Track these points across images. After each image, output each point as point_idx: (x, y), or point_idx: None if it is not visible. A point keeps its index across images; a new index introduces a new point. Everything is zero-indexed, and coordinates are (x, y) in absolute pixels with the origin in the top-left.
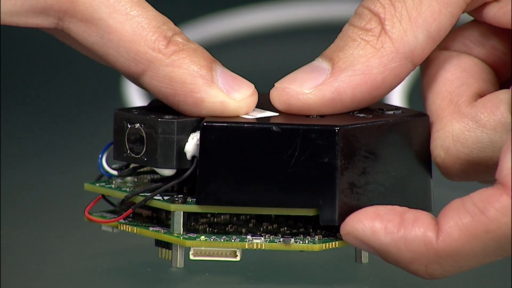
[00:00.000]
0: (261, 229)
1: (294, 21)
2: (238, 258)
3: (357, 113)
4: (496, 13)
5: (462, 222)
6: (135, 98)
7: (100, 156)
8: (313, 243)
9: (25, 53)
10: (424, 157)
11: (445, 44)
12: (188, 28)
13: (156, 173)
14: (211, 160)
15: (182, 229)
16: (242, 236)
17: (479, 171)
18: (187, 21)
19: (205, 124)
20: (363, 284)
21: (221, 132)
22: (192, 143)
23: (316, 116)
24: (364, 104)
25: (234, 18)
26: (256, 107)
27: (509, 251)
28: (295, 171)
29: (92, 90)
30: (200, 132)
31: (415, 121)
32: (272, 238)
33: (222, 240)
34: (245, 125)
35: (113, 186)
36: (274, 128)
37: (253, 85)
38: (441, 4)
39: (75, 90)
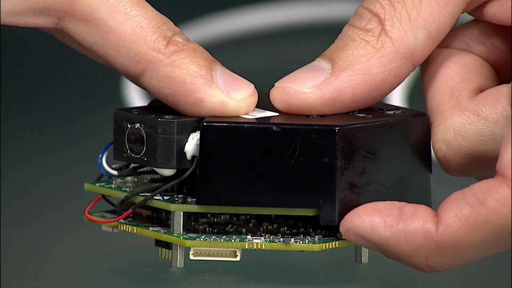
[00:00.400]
0: (261, 229)
1: (294, 21)
2: (238, 258)
3: (357, 113)
4: (496, 11)
5: (462, 213)
6: (135, 98)
7: (100, 156)
8: (313, 243)
9: (25, 53)
10: (424, 156)
11: (445, 42)
12: (188, 28)
13: (156, 173)
14: (211, 160)
15: (182, 229)
16: (242, 236)
17: (480, 165)
18: (187, 21)
19: (205, 124)
20: (363, 284)
21: (221, 132)
22: (192, 143)
23: (316, 116)
24: (364, 104)
25: (234, 18)
26: (256, 107)
27: (509, 244)
28: (295, 171)
29: (92, 90)
30: (200, 132)
31: (415, 121)
32: (272, 238)
33: (222, 240)
34: (245, 125)
35: (113, 186)
36: (274, 128)
37: (253, 85)
38: (441, 4)
39: (75, 90)
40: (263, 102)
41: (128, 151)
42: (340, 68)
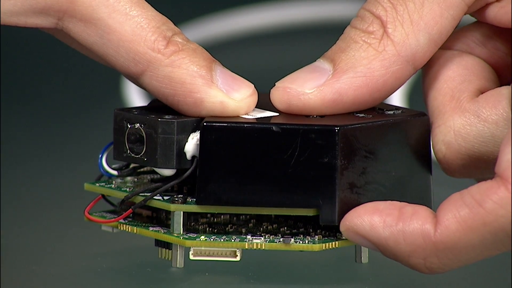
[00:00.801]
0: (261, 229)
1: (294, 21)
2: (238, 258)
3: (357, 113)
4: (497, 13)
5: (460, 215)
6: (135, 98)
7: (100, 156)
8: (313, 243)
9: (25, 53)
10: (424, 157)
11: (447, 44)
12: (188, 28)
13: (156, 173)
14: (211, 160)
15: (182, 229)
16: (242, 236)
17: (480, 166)
18: (187, 21)
19: (205, 124)
20: (363, 284)
21: (221, 132)
22: (192, 143)
23: (316, 116)
24: (365, 106)
25: (234, 18)
26: (256, 107)
27: (507, 246)
28: (295, 171)
29: (92, 90)
30: (200, 132)
31: (415, 121)
32: (272, 238)
33: (222, 240)
34: (245, 125)
35: (113, 186)
36: (274, 128)
37: (253, 85)
38: (443, 7)
39: (75, 90)
40: (263, 102)
41: (128, 151)
42: (341, 70)
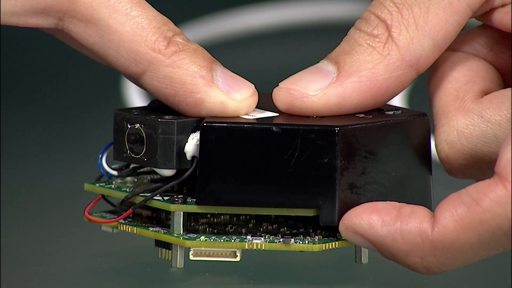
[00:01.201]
0: (261, 229)
1: (294, 21)
2: (238, 259)
3: (357, 114)
4: (502, 18)
5: (457, 213)
6: (135, 98)
7: (100, 156)
8: (313, 243)
9: (25, 53)
10: (424, 157)
11: (453, 45)
12: (188, 28)
13: (156, 173)
14: (211, 160)
15: (182, 229)
16: (242, 236)
17: (482, 167)
18: (187, 21)
19: (205, 124)
20: (363, 284)
21: (221, 132)
22: (192, 143)
23: (316, 116)
24: (366, 109)
25: (234, 18)
26: (256, 107)
27: (505, 245)
28: (295, 171)
29: (92, 90)
30: (200, 132)
31: (415, 121)
32: (272, 238)
33: (222, 240)
34: (245, 126)
35: (113, 186)
36: (274, 128)
37: (253, 86)
38: (448, 13)
39: (75, 90)
40: (264, 102)
41: (128, 151)
42: (346, 73)
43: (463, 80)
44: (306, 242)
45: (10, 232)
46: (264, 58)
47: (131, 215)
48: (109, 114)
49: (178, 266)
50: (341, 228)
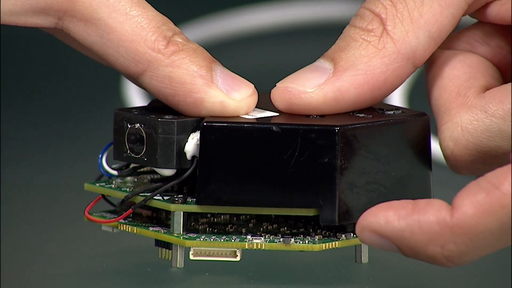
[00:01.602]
0: (261, 229)
1: (294, 21)
2: (238, 258)
3: (357, 113)
4: (499, 10)
5: (477, 199)
6: (135, 98)
7: (100, 156)
8: (313, 243)
9: (25, 52)
10: (424, 157)
11: (450, 44)
12: (188, 28)
13: (156, 173)
14: (211, 160)
15: (182, 229)
16: (242, 236)
17: (487, 162)
18: (187, 21)
19: (205, 124)
20: (363, 284)
21: (221, 132)
22: (192, 143)
23: (316, 116)
24: (366, 104)
25: (234, 18)
26: (256, 107)
27: None
28: (295, 171)
29: (92, 90)
30: (200, 132)
31: (415, 121)
32: (272, 238)
33: (222, 240)
34: (245, 125)
35: (113, 186)
36: (274, 128)
37: (253, 85)
38: (443, 6)
39: (75, 89)
40: (263, 102)
41: (128, 151)
42: (342, 68)
43: (463, 77)
44: (306, 242)
45: (10, 232)
46: (264, 58)
47: (131, 215)
48: (109, 114)
49: (178, 266)
50: (358, 230)
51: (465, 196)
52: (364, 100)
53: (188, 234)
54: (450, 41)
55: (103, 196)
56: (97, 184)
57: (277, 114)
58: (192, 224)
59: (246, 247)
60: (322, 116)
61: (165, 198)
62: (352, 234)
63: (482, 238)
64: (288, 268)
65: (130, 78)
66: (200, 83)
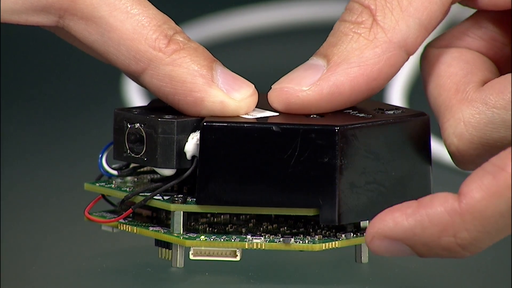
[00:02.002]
0: (261, 229)
1: (293, 21)
2: (238, 258)
3: (357, 113)
4: None
5: (484, 183)
6: (135, 97)
7: (100, 156)
8: (313, 243)
9: (25, 51)
10: (424, 156)
11: (443, 42)
12: (188, 28)
13: (156, 173)
14: (211, 160)
15: (182, 229)
16: (242, 236)
17: (494, 153)
18: (187, 21)
19: (205, 124)
20: (363, 284)
21: (221, 132)
22: (192, 143)
23: (316, 115)
24: (363, 96)
25: (234, 18)
26: (256, 107)
27: None
28: (295, 171)
29: (92, 89)
30: (200, 132)
31: (415, 121)
32: (272, 238)
33: (222, 240)
34: (245, 125)
35: (113, 186)
36: (274, 128)
37: (253, 85)
38: None
39: (75, 88)
40: (263, 102)
41: (128, 151)
42: (335, 63)
43: (460, 73)
44: (306, 241)
45: (10, 232)
46: (264, 58)
47: (131, 214)
48: (109, 114)
49: (178, 265)
50: (368, 239)
51: (472, 182)
52: (360, 93)
53: (188, 234)
54: (444, 39)
55: (103, 196)
56: (97, 184)
57: (277, 114)
58: (192, 224)
59: (246, 247)
60: (322, 115)
61: (165, 198)
62: (352, 234)
63: (493, 221)
64: (288, 268)
65: (130, 76)
66: (200, 82)
